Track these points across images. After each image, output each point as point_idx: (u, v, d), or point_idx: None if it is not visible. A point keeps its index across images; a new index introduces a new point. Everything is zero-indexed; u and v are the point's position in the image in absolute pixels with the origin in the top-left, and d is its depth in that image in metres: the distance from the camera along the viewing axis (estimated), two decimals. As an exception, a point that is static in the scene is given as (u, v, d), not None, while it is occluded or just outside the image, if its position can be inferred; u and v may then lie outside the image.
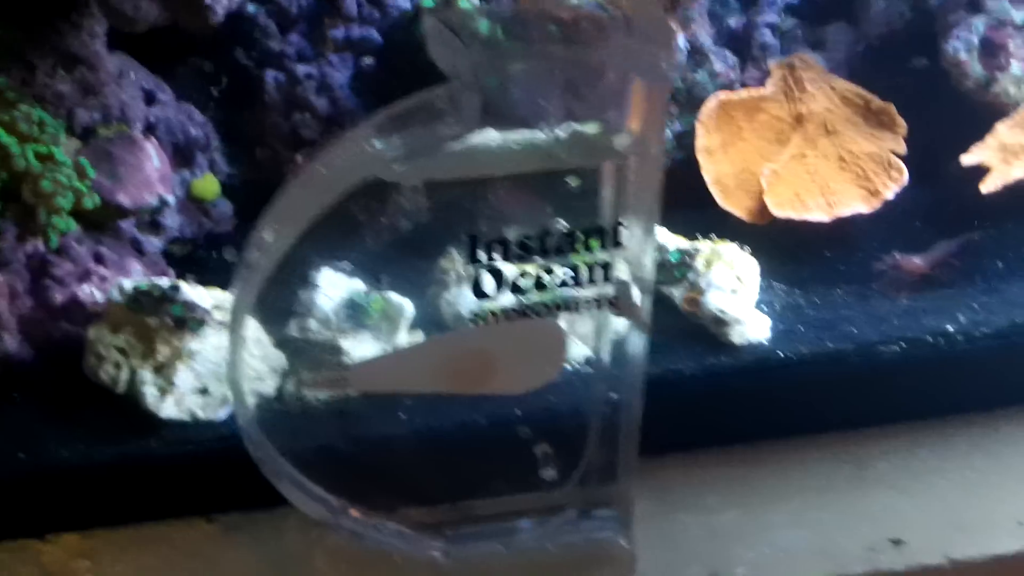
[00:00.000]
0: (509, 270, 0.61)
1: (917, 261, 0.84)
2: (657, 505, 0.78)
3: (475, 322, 0.63)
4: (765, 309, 0.80)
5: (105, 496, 0.75)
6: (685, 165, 0.87)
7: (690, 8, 0.88)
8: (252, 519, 0.77)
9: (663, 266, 0.79)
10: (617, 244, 0.61)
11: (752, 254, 0.81)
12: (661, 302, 0.80)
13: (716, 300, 0.78)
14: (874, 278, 0.84)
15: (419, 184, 0.64)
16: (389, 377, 0.69)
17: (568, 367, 0.72)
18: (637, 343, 0.66)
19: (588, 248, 0.60)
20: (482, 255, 0.60)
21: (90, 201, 0.74)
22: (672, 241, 0.81)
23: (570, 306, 0.63)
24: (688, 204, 0.84)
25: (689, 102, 0.88)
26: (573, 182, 0.60)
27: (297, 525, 0.75)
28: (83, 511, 0.76)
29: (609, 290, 0.63)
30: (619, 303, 0.63)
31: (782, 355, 0.77)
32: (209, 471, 0.75)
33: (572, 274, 0.61)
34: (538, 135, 0.56)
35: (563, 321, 0.66)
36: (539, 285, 0.61)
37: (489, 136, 0.57)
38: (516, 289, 0.61)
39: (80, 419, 0.75)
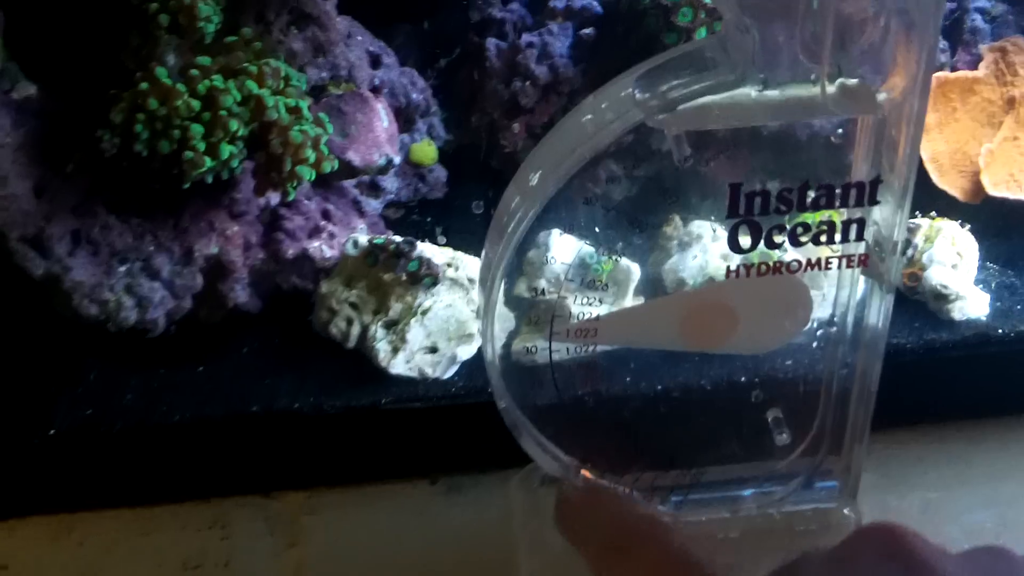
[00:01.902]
0: (764, 224, 0.61)
1: None
2: (877, 478, 0.78)
3: (727, 277, 0.62)
4: (981, 287, 0.80)
5: (332, 450, 0.76)
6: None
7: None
8: (476, 480, 0.78)
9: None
10: (873, 201, 0.60)
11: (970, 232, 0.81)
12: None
13: (938, 275, 0.77)
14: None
15: (683, 135, 0.65)
16: (635, 330, 0.69)
17: (809, 327, 0.72)
18: (881, 307, 0.66)
19: (846, 203, 0.60)
20: (742, 207, 0.60)
21: (329, 165, 0.74)
22: (890, 216, 0.81)
23: (820, 263, 0.62)
24: None
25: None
26: (839, 133, 0.60)
27: (520, 486, 0.75)
28: (310, 465, 0.77)
29: (861, 249, 0.62)
30: (870, 262, 0.64)
31: (1001, 331, 0.77)
32: (435, 430, 0.76)
33: (826, 230, 0.61)
34: (803, 86, 0.57)
35: (808, 278, 0.66)
36: (794, 240, 0.61)
37: (754, 87, 0.57)
38: (771, 244, 0.61)
39: (309, 372, 0.75)
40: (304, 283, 0.78)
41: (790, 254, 0.63)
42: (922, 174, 0.85)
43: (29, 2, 0.72)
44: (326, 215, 0.80)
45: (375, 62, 0.85)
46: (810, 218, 0.62)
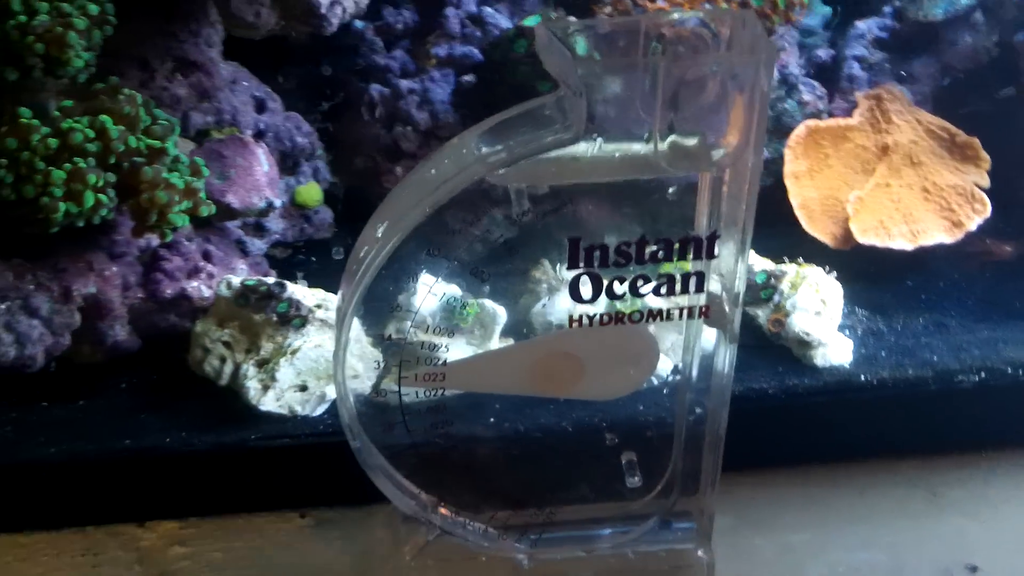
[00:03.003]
0: (606, 276, 0.63)
1: (1007, 247, 0.87)
2: (734, 520, 0.80)
3: (571, 325, 0.65)
4: (847, 333, 0.82)
5: (203, 484, 0.78)
6: (772, 189, 0.89)
7: (780, 38, 0.90)
8: (343, 515, 0.80)
9: (749, 287, 0.81)
10: (711, 255, 0.63)
11: (836, 279, 0.83)
12: (746, 322, 0.82)
13: (800, 322, 0.80)
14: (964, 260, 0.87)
15: (523, 188, 0.67)
16: (483, 376, 0.71)
17: (656, 376, 0.74)
18: (726, 355, 0.68)
19: (684, 257, 0.62)
20: (582, 260, 0.62)
21: (206, 209, 0.77)
22: (758, 263, 0.83)
23: (662, 314, 0.65)
24: (774, 227, 0.86)
25: (777, 129, 0.90)
26: (672, 191, 0.62)
27: (385, 522, 0.78)
28: (181, 498, 0.79)
29: (701, 300, 0.65)
30: (711, 313, 0.66)
31: (863, 379, 0.79)
32: (304, 465, 0.78)
33: (665, 282, 0.63)
34: (638, 145, 0.59)
35: (653, 329, 0.68)
36: (634, 291, 0.63)
37: (591, 144, 0.59)
38: (611, 295, 0.63)
39: (182, 409, 0.78)
40: (182, 322, 0.80)
41: (633, 303, 0.66)
42: (794, 220, 0.87)
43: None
44: (206, 256, 0.82)
45: (260, 107, 0.88)
46: (650, 270, 0.65)
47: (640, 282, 0.63)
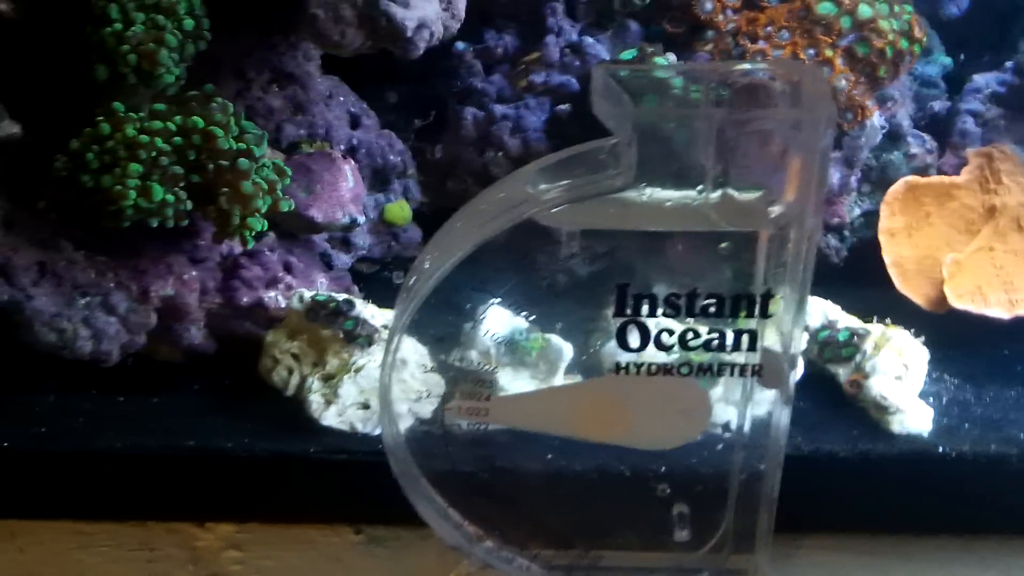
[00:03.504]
0: (654, 326, 0.62)
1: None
2: (794, 583, 0.78)
3: (618, 372, 0.64)
4: (931, 400, 0.78)
5: (262, 491, 0.79)
6: (869, 245, 0.87)
7: (891, 87, 0.87)
8: (397, 534, 0.80)
9: (831, 343, 0.79)
10: (766, 314, 0.61)
11: (926, 343, 0.79)
12: (825, 380, 0.80)
13: (879, 385, 0.76)
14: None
15: (576, 231, 0.66)
16: (527, 414, 0.71)
17: (714, 432, 0.72)
18: (781, 415, 0.66)
19: (736, 314, 0.61)
20: (630, 308, 0.61)
21: (287, 204, 0.78)
22: (844, 319, 0.81)
23: (715, 370, 0.63)
24: (867, 285, 0.85)
25: (882, 182, 0.88)
26: (724, 246, 0.60)
27: (438, 547, 0.77)
28: (240, 503, 0.80)
29: (755, 358, 0.63)
30: (765, 373, 0.64)
31: (940, 450, 0.75)
32: (361, 482, 0.78)
33: (718, 338, 0.62)
34: (692, 196, 0.57)
35: (710, 385, 0.67)
36: (683, 345, 0.62)
37: (648, 192, 0.58)
38: (660, 346, 0.62)
39: (248, 415, 0.79)
40: (258, 330, 0.82)
41: (684, 356, 0.64)
42: (888, 278, 0.84)
43: (12, 42, 0.78)
44: (287, 267, 0.84)
45: (355, 122, 0.89)
46: (703, 325, 0.63)
47: (690, 335, 0.62)
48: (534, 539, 0.73)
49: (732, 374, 0.64)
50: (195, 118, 0.76)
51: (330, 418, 0.77)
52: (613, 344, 0.78)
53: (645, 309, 0.62)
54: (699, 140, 0.56)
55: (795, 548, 0.77)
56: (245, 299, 0.81)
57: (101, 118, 0.75)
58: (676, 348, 0.62)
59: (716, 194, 0.58)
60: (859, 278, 0.86)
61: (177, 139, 0.75)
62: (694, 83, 0.59)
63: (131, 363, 0.81)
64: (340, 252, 0.88)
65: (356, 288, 0.88)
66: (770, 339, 0.63)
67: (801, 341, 0.63)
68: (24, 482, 0.79)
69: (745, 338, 0.62)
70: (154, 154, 0.74)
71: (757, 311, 0.61)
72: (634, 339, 0.63)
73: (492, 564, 0.73)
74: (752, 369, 0.64)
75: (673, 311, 0.61)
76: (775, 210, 0.59)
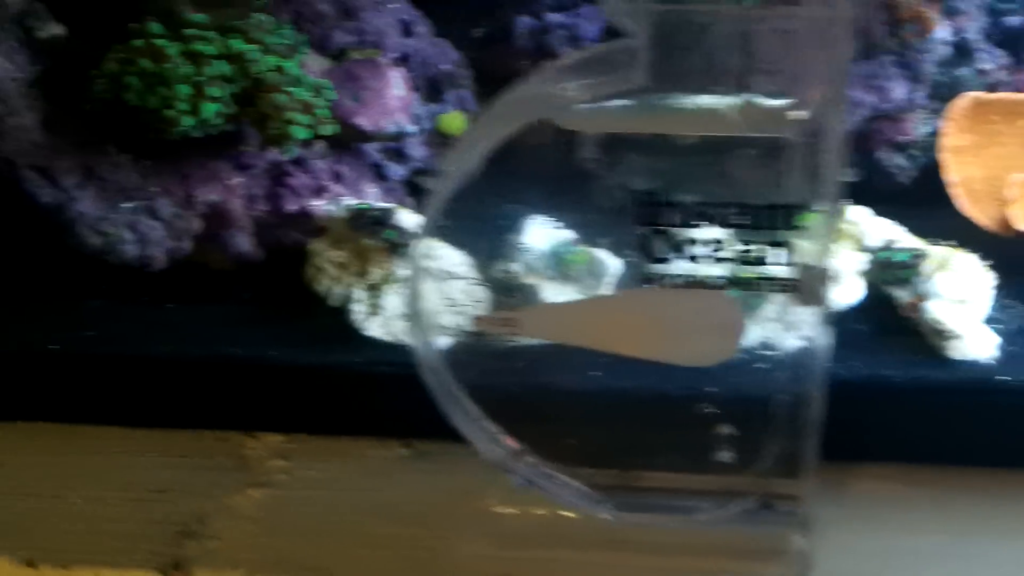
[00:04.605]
0: (682, 236, 0.60)
1: None
2: (847, 513, 0.75)
3: (649, 284, 0.62)
4: (995, 327, 0.75)
5: (307, 402, 0.79)
6: (937, 164, 0.82)
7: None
8: (447, 449, 0.78)
9: (890, 264, 0.76)
10: (797, 226, 0.59)
11: (991, 267, 0.76)
12: (883, 302, 0.77)
13: (938, 309, 0.73)
14: None
15: (591, 134, 0.64)
16: (557, 327, 0.69)
17: (749, 350, 0.70)
18: (818, 333, 0.63)
19: (768, 226, 0.59)
20: (659, 217, 0.59)
21: (329, 128, 0.77)
22: (906, 241, 0.78)
23: (747, 284, 0.61)
24: (936, 206, 0.81)
25: (952, 99, 0.83)
26: (752, 153, 0.58)
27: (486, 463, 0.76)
28: (287, 414, 0.80)
29: (788, 273, 0.61)
30: (801, 289, 0.61)
31: (1004, 378, 0.72)
32: (409, 396, 0.77)
33: (748, 250, 0.60)
34: (713, 99, 0.55)
35: (755, 304, 0.65)
36: (714, 256, 0.60)
37: (671, 97, 0.56)
38: (690, 257, 0.60)
39: (294, 325, 0.79)
40: (304, 239, 0.80)
41: (715, 269, 0.62)
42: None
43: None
44: (336, 176, 0.82)
45: (407, 30, 0.87)
46: (733, 237, 0.61)
47: (721, 247, 0.60)
48: (575, 457, 0.72)
49: (766, 289, 0.62)
50: (235, 43, 0.75)
51: (374, 329, 0.76)
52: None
53: (675, 218, 0.60)
54: (720, 41, 0.54)
55: (849, 477, 0.74)
56: (291, 207, 0.80)
57: (140, 42, 0.75)
58: (706, 260, 0.60)
59: (740, 98, 0.56)
60: (927, 199, 0.83)
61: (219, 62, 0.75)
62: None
63: (177, 271, 0.81)
64: (393, 163, 0.86)
65: (410, 200, 0.86)
66: (804, 253, 0.61)
67: (833, 254, 0.61)
68: (73, 386, 0.79)
69: (778, 251, 0.60)
70: (198, 77, 0.74)
71: (788, 222, 0.59)
72: (660, 249, 0.61)
73: (533, 481, 0.72)
74: (787, 284, 0.62)
75: (703, 220, 0.60)
76: (801, 115, 0.57)
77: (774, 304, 0.66)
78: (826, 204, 0.59)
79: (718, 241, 0.60)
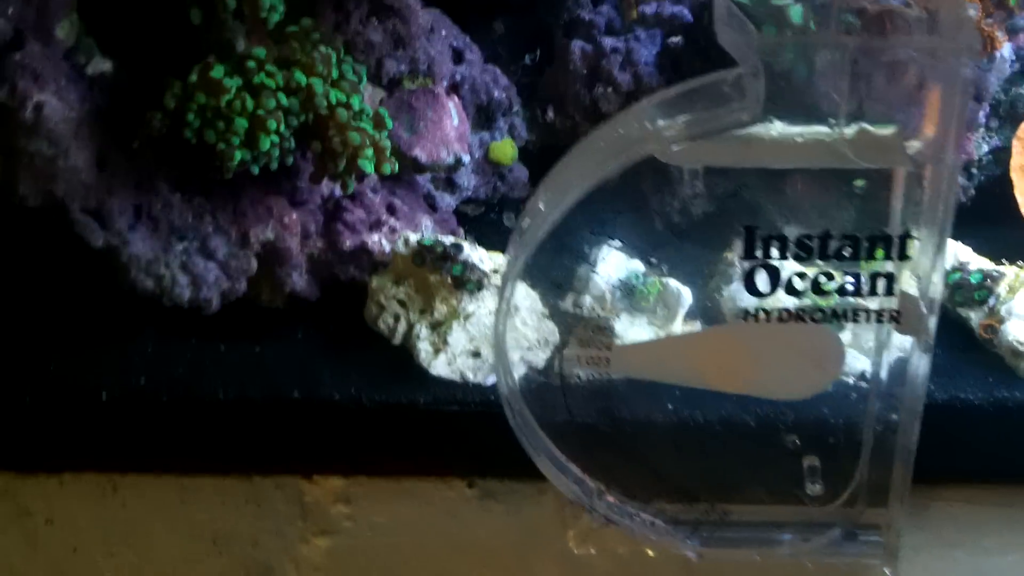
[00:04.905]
0: (786, 269, 0.59)
1: None
2: (928, 537, 0.75)
3: (745, 319, 0.61)
4: (1072, 347, 0.74)
5: (370, 444, 0.77)
6: (997, 183, 0.83)
7: (1022, 17, 0.82)
8: (511, 488, 0.78)
9: (963, 287, 0.75)
10: (904, 256, 0.58)
11: (1064, 285, 0.75)
12: (957, 325, 0.76)
13: (1016, 330, 0.73)
14: None
15: (698, 169, 0.63)
16: (650, 363, 0.68)
17: (845, 380, 0.69)
18: (919, 363, 0.63)
19: (872, 256, 0.58)
20: (759, 250, 0.58)
21: (389, 167, 0.75)
22: (976, 261, 0.77)
23: (849, 316, 0.60)
24: (996, 224, 0.81)
25: (1011, 117, 0.83)
26: (859, 184, 0.57)
27: (554, 501, 0.75)
28: (349, 455, 0.78)
29: (892, 303, 0.60)
30: (903, 319, 0.60)
31: (1082, 399, 0.72)
32: (472, 434, 0.75)
33: (853, 282, 0.59)
34: (824, 130, 0.54)
35: (841, 331, 0.64)
36: (816, 289, 0.59)
37: (775, 127, 0.55)
38: (791, 290, 0.59)
39: (355, 363, 0.76)
40: (362, 275, 0.78)
41: (816, 301, 0.61)
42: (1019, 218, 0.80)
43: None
44: (390, 209, 0.80)
45: (458, 57, 0.85)
46: (836, 268, 0.60)
47: (823, 279, 0.59)
48: (658, 493, 0.70)
49: (868, 320, 0.61)
50: (298, 75, 0.73)
51: (439, 367, 0.74)
52: (735, 288, 0.75)
53: (775, 252, 0.59)
54: (831, 71, 0.53)
55: (929, 499, 0.73)
56: (348, 243, 0.78)
57: (196, 79, 0.72)
58: (808, 293, 0.59)
59: (850, 129, 0.55)
60: (987, 218, 0.82)
61: (281, 94, 0.72)
62: (822, 10, 0.56)
63: (231, 310, 0.78)
64: (445, 193, 0.85)
65: (461, 231, 0.84)
66: (907, 283, 0.60)
67: (940, 284, 0.60)
68: (126, 434, 0.77)
69: (881, 282, 0.59)
70: (258, 111, 0.72)
71: (895, 253, 0.58)
72: (763, 283, 0.60)
73: (614, 519, 0.71)
74: (889, 315, 0.61)
75: (804, 253, 0.58)
76: (913, 146, 0.56)
77: (871, 333, 0.65)
78: (933, 234, 0.58)
79: (824, 274, 0.59)
